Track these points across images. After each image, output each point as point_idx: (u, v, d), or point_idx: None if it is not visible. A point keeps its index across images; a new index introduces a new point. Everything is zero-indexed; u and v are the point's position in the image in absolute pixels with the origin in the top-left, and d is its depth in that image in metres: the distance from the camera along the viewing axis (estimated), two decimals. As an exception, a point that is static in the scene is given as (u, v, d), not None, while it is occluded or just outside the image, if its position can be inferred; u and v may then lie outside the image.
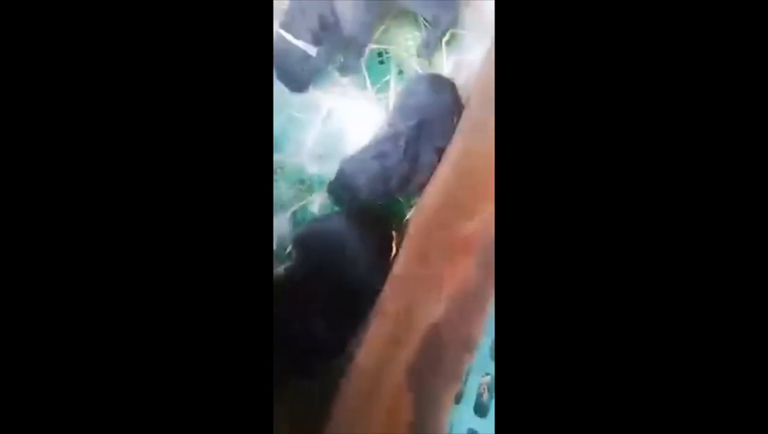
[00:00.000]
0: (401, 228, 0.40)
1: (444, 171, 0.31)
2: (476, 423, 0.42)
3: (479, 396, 0.44)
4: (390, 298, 0.24)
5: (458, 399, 0.43)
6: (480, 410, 0.43)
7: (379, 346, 0.23)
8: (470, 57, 0.49)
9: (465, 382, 0.44)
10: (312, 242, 0.40)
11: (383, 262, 0.38)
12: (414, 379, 0.22)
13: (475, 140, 0.31)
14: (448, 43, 0.52)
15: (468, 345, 0.23)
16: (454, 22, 0.52)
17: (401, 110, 0.45)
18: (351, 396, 0.24)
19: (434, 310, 0.24)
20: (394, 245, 0.38)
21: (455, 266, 0.24)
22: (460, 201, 0.27)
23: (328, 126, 0.51)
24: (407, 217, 0.43)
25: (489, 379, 0.44)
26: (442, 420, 0.22)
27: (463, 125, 0.32)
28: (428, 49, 0.51)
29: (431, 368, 0.22)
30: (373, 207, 0.42)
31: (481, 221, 0.26)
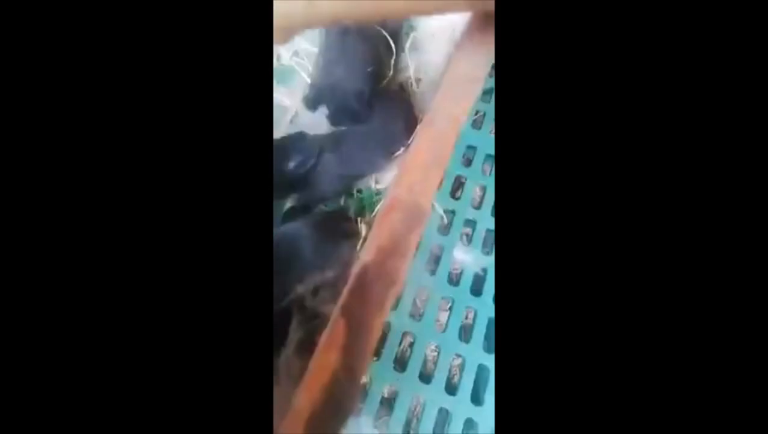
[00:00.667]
0: (371, 221, 0.44)
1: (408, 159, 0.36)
2: (448, 401, 0.45)
3: (450, 377, 0.47)
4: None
5: (429, 380, 0.46)
6: (450, 389, 0.46)
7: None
8: (431, 57, 0.54)
9: (436, 364, 0.47)
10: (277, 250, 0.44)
11: (342, 248, 0.42)
12: (347, 309, 0.26)
13: (434, 130, 0.34)
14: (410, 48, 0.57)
15: (391, 281, 0.27)
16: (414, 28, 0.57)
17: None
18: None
19: (365, 256, 0.28)
20: (361, 239, 0.42)
21: (385, 223, 0.29)
22: (399, 178, 0.32)
23: (295, 125, 0.57)
24: (375, 210, 0.47)
25: (460, 361, 0.47)
26: (370, 342, 0.25)
27: (426, 118, 0.36)
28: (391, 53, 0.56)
29: (361, 300, 0.26)
30: (338, 211, 0.47)
31: (407, 186, 0.30)
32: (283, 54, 0.61)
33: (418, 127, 0.32)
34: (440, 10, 0.35)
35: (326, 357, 0.25)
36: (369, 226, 0.42)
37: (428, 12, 0.35)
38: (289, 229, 0.42)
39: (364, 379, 0.32)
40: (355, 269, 0.27)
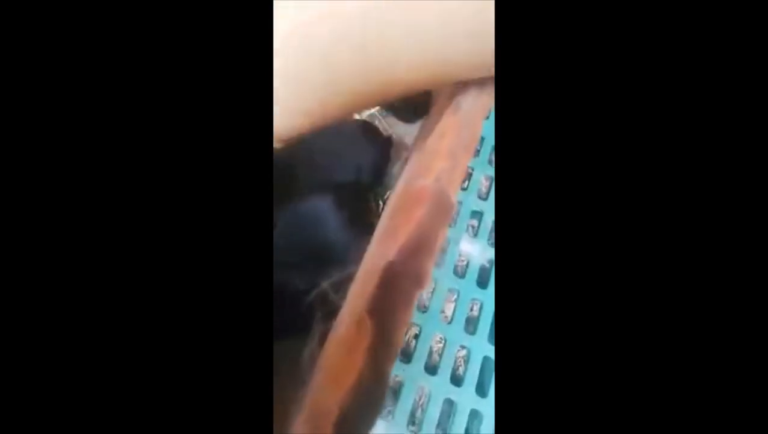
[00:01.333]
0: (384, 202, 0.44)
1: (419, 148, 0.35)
2: (453, 392, 0.45)
3: (455, 369, 0.47)
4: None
5: (434, 371, 0.46)
6: (456, 381, 0.46)
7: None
8: None
9: (441, 355, 0.47)
10: (294, 222, 0.44)
11: (362, 239, 0.42)
12: (373, 308, 0.26)
13: (460, 117, 0.33)
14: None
15: (418, 280, 0.26)
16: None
17: None
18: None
19: (390, 252, 0.27)
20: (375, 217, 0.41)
21: (410, 216, 0.28)
22: (421, 165, 0.32)
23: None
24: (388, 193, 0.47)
25: (465, 352, 0.47)
26: (396, 339, 0.25)
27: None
28: None
29: (387, 298, 0.26)
30: (356, 188, 0.46)
31: (433, 176, 0.30)
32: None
33: (446, 113, 0.31)
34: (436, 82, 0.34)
35: (353, 357, 0.25)
36: (378, 216, 0.42)
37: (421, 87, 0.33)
38: (314, 212, 0.41)
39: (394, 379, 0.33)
40: (381, 267, 0.27)
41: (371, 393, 0.24)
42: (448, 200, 0.28)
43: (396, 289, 0.26)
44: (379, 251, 0.28)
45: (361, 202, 0.45)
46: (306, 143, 0.50)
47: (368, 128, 0.51)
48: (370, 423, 0.25)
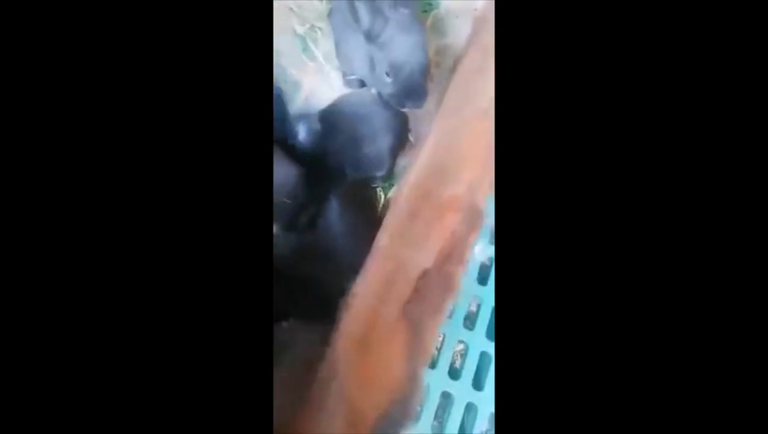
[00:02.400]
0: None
1: (429, 146, 0.35)
2: (450, 385, 0.46)
3: (453, 362, 0.48)
4: (388, 250, 0.28)
5: (434, 365, 0.47)
6: (453, 374, 0.47)
7: (379, 288, 0.27)
8: (451, 41, 0.53)
9: (440, 350, 0.48)
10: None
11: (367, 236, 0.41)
12: (407, 312, 0.26)
13: (458, 118, 0.33)
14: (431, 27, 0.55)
15: (450, 285, 0.27)
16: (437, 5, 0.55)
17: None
18: (351, 331, 0.27)
19: (425, 259, 0.27)
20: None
21: (443, 222, 0.28)
22: (445, 171, 0.32)
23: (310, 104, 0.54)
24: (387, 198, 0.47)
25: (463, 347, 0.49)
26: (428, 341, 0.26)
27: (449, 102, 0.36)
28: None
29: (421, 302, 0.26)
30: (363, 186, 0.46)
31: (465, 185, 0.30)
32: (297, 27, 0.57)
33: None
34: None
35: (388, 360, 0.25)
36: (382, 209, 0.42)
37: None
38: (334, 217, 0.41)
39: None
40: (417, 274, 0.27)
41: (406, 396, 0.25)
42: (478, 211, 0.29)
43: (430, 296, 0.27)
44: (415, 257, 0.28)
45: (368, 197, 0.45)
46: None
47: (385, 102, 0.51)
48: (405, 426, 0.25)
